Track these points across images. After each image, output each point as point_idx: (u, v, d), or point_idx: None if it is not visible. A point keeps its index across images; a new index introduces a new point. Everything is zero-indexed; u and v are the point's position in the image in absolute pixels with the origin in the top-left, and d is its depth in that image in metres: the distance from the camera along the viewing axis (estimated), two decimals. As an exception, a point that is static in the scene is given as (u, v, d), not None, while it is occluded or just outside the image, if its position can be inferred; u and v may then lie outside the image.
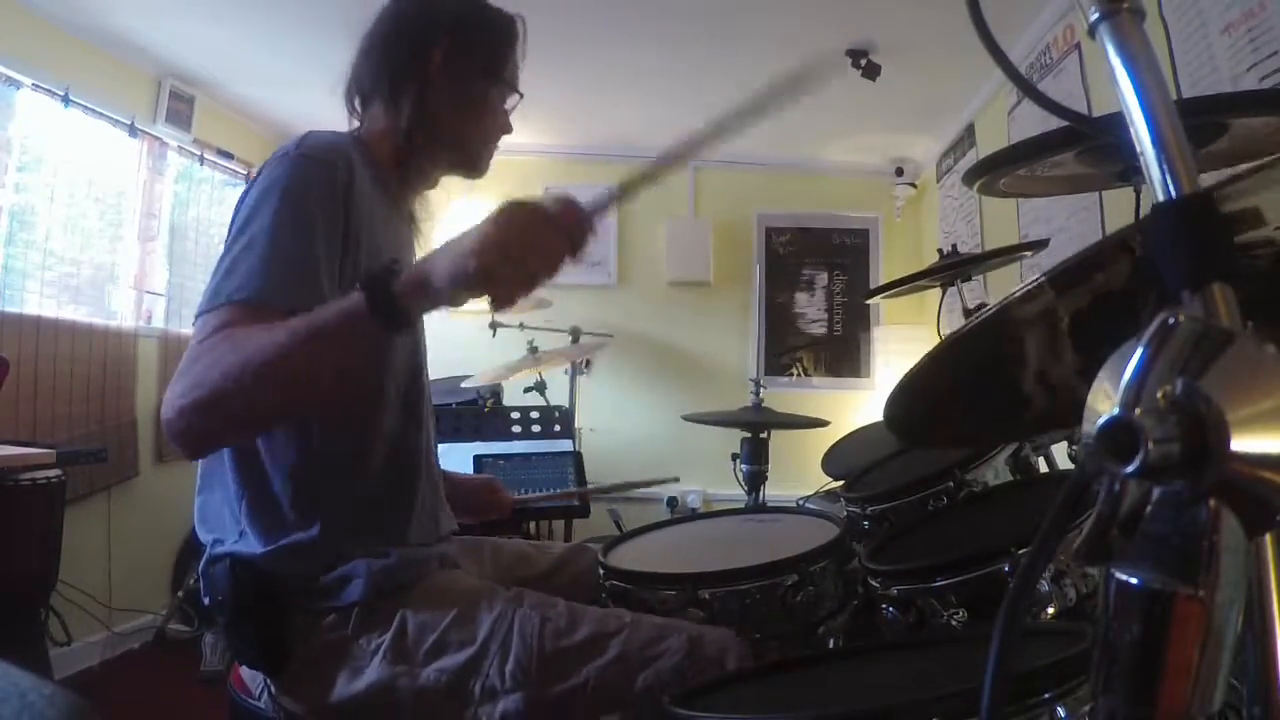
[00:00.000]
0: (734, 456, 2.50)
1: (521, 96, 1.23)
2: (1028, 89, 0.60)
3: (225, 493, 1.04)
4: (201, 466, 1.09)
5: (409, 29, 1.14)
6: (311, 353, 0.84)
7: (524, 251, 0.81)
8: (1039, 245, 2.06)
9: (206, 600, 1.05)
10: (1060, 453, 1.70)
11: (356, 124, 1.19)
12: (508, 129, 1.23)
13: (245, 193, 1.02)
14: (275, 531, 1.01)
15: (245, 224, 0.96)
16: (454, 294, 0.81)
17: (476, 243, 0.79)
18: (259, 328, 0.86)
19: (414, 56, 1.13)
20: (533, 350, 3.30)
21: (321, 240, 0.98)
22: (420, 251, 1.26)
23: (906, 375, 0.77)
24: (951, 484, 1.44)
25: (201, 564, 1.06)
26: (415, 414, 1.16)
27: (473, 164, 1.21)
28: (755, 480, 2.44)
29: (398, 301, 0.82)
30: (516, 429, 2.63)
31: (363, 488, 1.07)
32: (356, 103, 1.18)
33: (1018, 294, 0.65)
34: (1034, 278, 0.64)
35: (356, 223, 1.03)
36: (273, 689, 1.03)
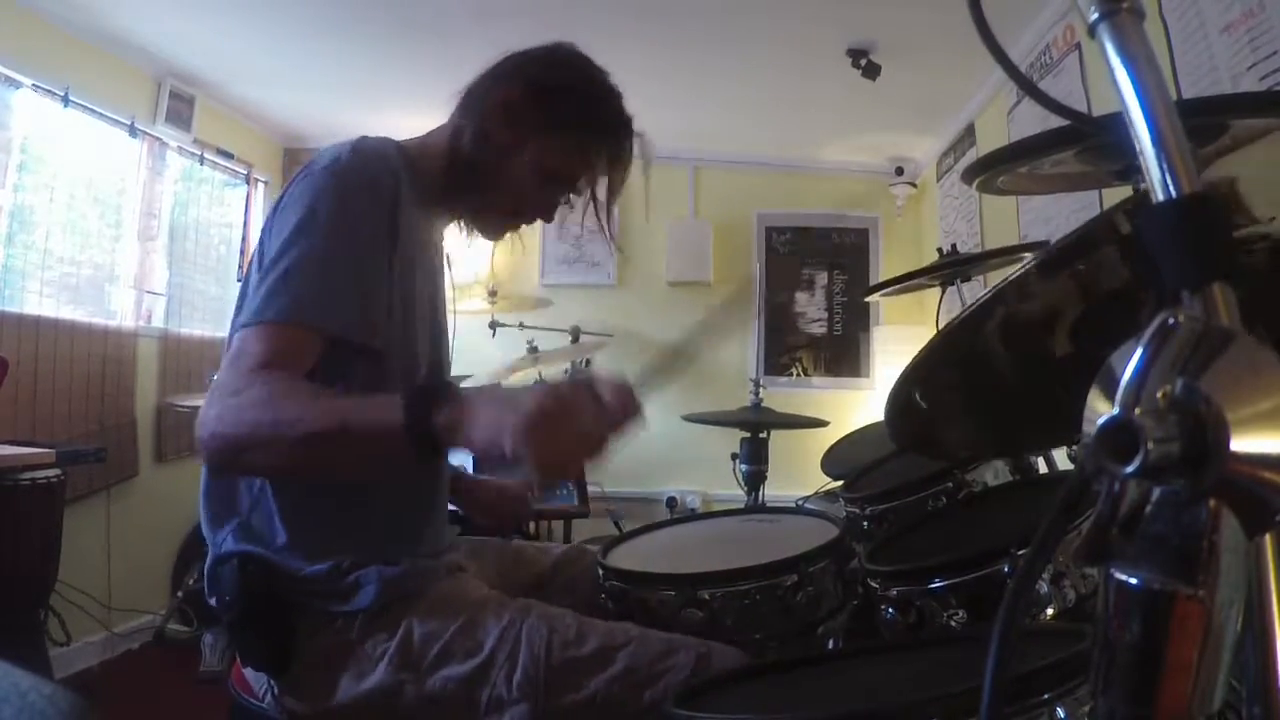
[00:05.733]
0: (733, 456, 2.51)
1: (569, 205, 1.19)
2: (1027, 86, 0.60)
3: (233, 491, 1.04)
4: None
5: (509, 69, 1.14)
6: (336, 443, 0.85)
7: (570, 445, 0.80)
8: (1039, 246, 2.06)
9: (212, 601, 1.04)
10: (1060, 453, 1.70)
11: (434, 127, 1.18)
12: (528, 215, 1.19)
13: (286, 195, 1.01)
14: (286, 532, 1.01)
15: (292, 239, 0.96)
16: (485, 454, 0.81)
17: (523, 423, 0.77)
18: (299, 391, 0.87)
19: (495, 94, 1.12)
20: (533, 350, 3.30)
21: (368, 262, 0.99)
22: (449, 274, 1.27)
23: (901, 376, 0.77)
24: (951, 484, 1.44)
25: (207, 564, 1.05)
26: None
27: (480, 224, 1.20)
28: (755, 480, 2.45)
29: (435, 434, 0.82)
30: (516, 429, 2.62)
31: (380, 491, 1.07)
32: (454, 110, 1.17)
33: (1010, 280, 0.65)
34: (1024, 263, 0.64)
35: (401, 238, 1.03)
36: (276, 689, 1.03)
